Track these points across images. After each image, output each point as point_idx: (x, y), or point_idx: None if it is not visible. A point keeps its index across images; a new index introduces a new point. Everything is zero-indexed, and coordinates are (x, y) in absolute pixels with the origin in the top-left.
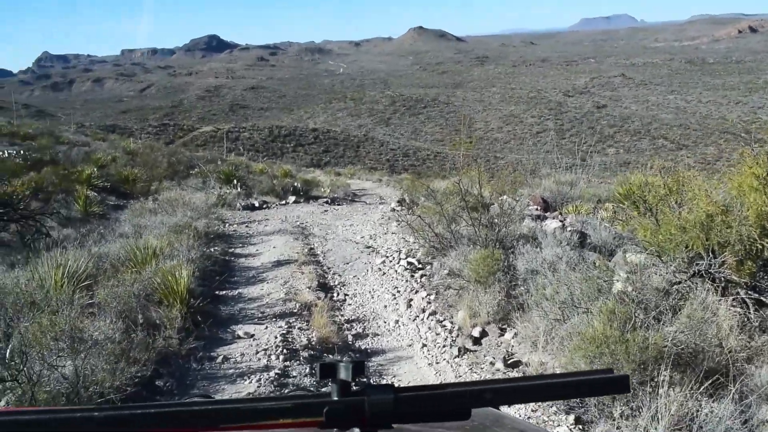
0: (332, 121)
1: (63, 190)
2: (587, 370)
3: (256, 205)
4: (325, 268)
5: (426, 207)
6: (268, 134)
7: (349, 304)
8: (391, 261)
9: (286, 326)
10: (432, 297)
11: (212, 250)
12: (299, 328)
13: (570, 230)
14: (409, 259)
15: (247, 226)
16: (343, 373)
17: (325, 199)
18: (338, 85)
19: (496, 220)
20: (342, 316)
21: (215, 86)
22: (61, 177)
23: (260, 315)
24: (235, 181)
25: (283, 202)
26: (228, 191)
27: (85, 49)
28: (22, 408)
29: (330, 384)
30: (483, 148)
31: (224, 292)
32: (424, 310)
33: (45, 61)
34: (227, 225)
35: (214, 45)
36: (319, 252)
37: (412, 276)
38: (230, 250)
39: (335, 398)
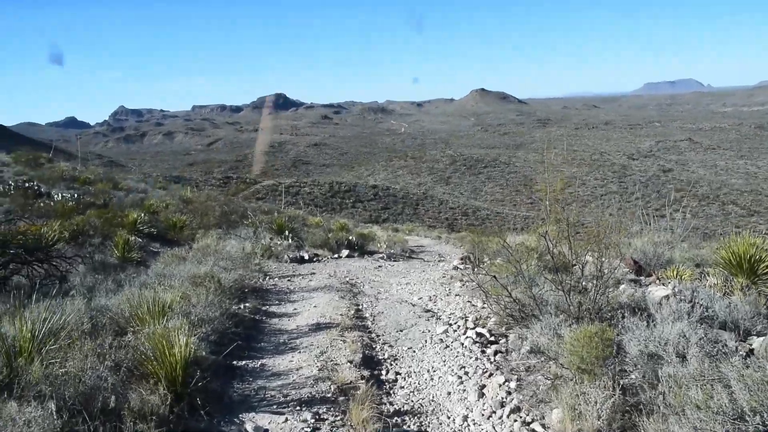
0: (392, 179)
1: (102, 234)
2: None
3: (306, 257)
4: (373, 335)
5: (498, 265)
6: (328, 189)
7: (401, 387)
8: (455, 330)
9: (312, 420)
10: (513, 384)
11: (242, 306)
12: (331, 424)
13: (680, 300)
14: (479, 329)
15: (289, 280)
16: None
17: (380, 255)
18: (399, 144)
19: (586, 285)
20: (391, 404)
21: (279, 142)
22: (103, 220)
23: (282, 399)
24: (286, 233)
25: (336, 255)
26: (279, 242)
27: (159, 104)
28: None
29: None
30: (544, 209)
31: (243, 362)
32: (503, 404)
33: (120, 114)
34: (268, 278)
35: (281, 103)
36: (367, 314)
37: (483, 352)
38: (263, 308)
39: None
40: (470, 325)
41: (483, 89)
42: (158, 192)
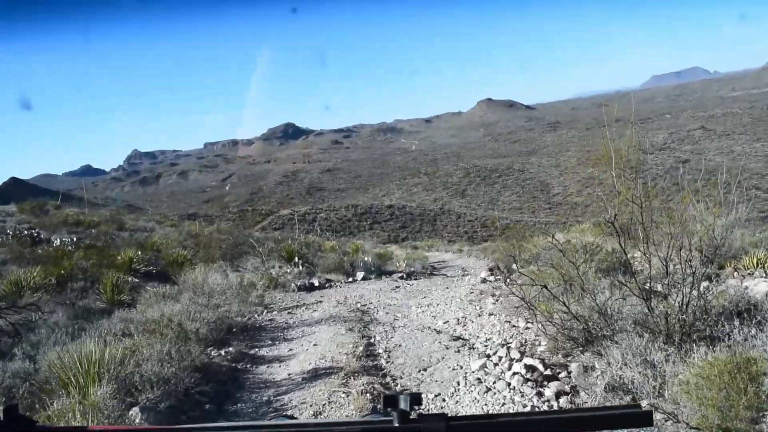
0: (407, 197)
1: (92, 277)
2: (616, 405)
3: (316, 284)
4: (387, 379)
5: (539, 272)
6: (344, 213)
7: None
8: (496, 363)
9: None
10: None
11: (222, 352)
12: None
13: None
14: (528, 360)
15: (290, 313)
16: (403, 404)
17: (399, 274)
18: (411, 162)
19: (666, 287)
20: None
21: (293, 171)
22: (93, 263)
23: None
24: (296, 259)
25: (350, 279)
26: (288, 270)
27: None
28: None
29: (392, 412)
30: (563, 213)
31: None
32: None
33: (134, 158)
34: (266, 312)
35: (290, 132)
36: (380, 350)
37: (541, 394)
38: (251, 351)
39: (396, 424)
40: (515, 354)
41: (489, 99)
42: (167, 229)
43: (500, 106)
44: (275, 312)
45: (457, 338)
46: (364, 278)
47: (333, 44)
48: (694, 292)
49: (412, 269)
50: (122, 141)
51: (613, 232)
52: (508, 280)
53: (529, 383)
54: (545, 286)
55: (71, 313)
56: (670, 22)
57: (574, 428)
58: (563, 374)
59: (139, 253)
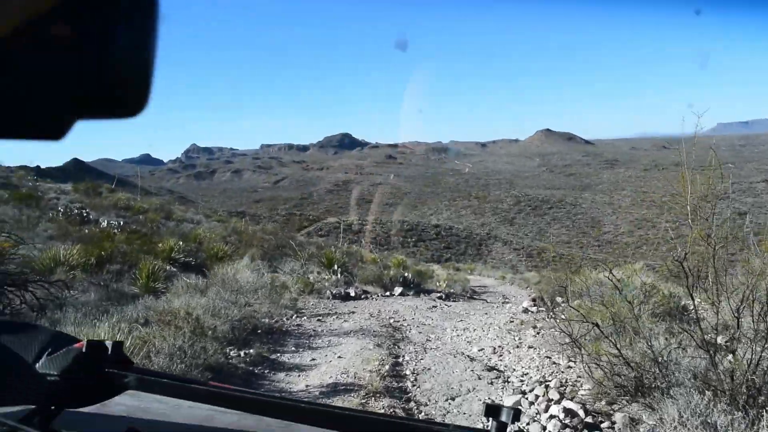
0: (455, 218)
1: (130, 262)
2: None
3: (352, 294)
4: (411, 404)
5: (586, 308)
6: (391, 228)
7: None
8: (532, 401)
9: None
10: None
11: (241, 354)
12: None
13: None
14: (567, 403)
15: (320, 320)
16: (504, 416)
17: (438, 294)
18: (463, 184)
19: (727, 342)
20: None
21: (344, 181)
22: (132, 247)
23: None
24: (335, 267)
25: (388, 293)
26: (326, 277)
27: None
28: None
29: (491, 421)
30: (612, 252)
31: None
32: None
33: (192, 152)
34: (295, 316)
35: (346, 142)
36: (408, 371)
37: None
38: (272, 356)
39: None
40: (554, 395)
41: (548, 129)
42: (213, 224)
43: (559, 138)
44: (305, 318)
45: (492, 368)
46: (401, 294)
47: (390, 56)
48: (766, 352)
49: (452, 290)
50: (182, 135)
51: (681, 273)
52: (551, 313)
53: (567, 430)
54: (597, 325)
55: (103, 295)
56: (740, 68)
57: None
58: (606, 424)
59: (181, 243)
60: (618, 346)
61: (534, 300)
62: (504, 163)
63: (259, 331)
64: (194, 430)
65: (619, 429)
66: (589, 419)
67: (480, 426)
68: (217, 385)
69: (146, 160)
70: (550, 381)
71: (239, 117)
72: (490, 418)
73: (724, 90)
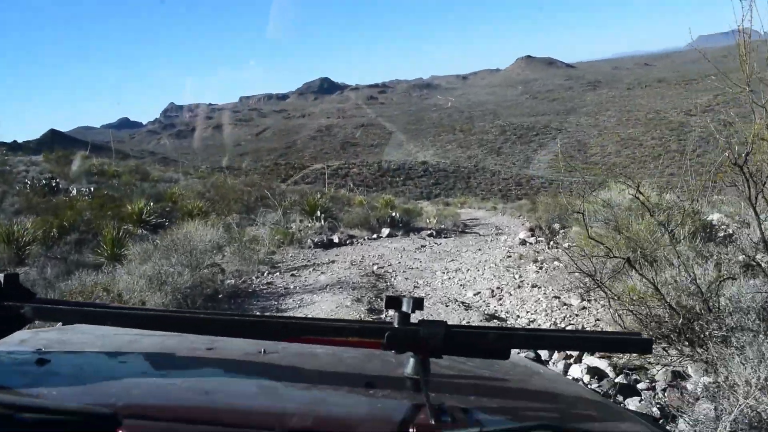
0: (442, 154)
1: (95, 229)
2: (618, 331)
3: (336, 240)
4: None
5: (602, 237)
6: (378, 169)
7: None
8: (546, 360)
9: None
10: None
11: None
12: None
13: None
14: (591, 360)
15: (294, 275)
16: (405, 306)
17: (428, 231)
18: (446, 119)
19: None
20: None
21: (327, 126)
22: (95, 213)
23: None
24: (318, 213)
25: (375, 236)
26: (310, 225)
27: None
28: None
29: (394, 314)
30: (600, 173)
31: None
32: None
33: (171, 111)
34: (267, 273)
35: (325, 87)
36: None
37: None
38: None
39: (396, 325)
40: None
41: (529, 56)
42: (193, 181)
43: (540, 64)
44: (277, 274)
45: (492, 316)
46: (389, 235)
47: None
48: None
49: (442, 226)
50: (159, 94)
51: (741, 179)
52: (554, 243)
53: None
54: (628, 260)
55: (63, 269)
56: None
57: (577, 348)
58: (643, 385)
59: (151, 203)
60: (656, 283)
61: (531, 230)
62: (486, 94)
63: (219, 296)
64: (110, 356)
65: (664, 390)
66: (620, 379)
67: None
68: (127, 306)
69: (125, 123)
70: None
71: (215, 70)
72: (393, 310)
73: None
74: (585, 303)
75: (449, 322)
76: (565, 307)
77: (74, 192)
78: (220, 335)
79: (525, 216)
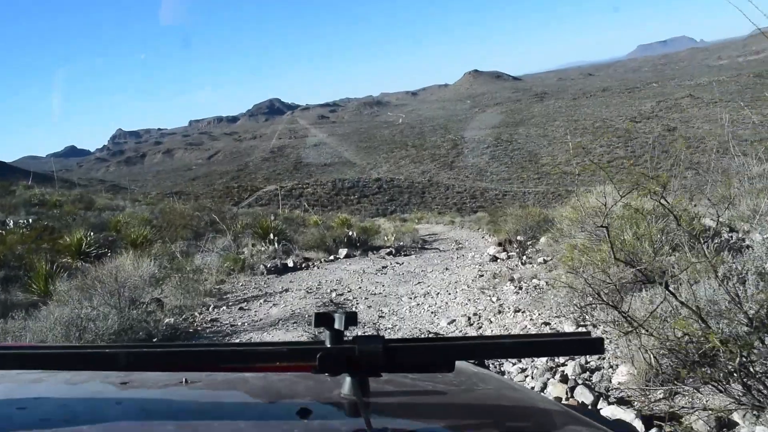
0: (395, 170)
1: (27, 265)
2: (566, 332)
3: (290, 265)
4: None
5: (590, 251)
6: (332, 188)
7: None
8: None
9: None
10: None
11: None
12: None
13: None
14: (611, 410)
15: (242, 309)
16: (337, 323)
17: (387, 250)
18: (398, 135)
19: None
20: None
21: (279, 147)
22: (28, 248)
23: None
24: (271, 236)
25: (332, 257)
26: (263, 249)
27: (155, 123)
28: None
29: (325, 332)
30: (553, 183)
31: None
32: None
33: (119, 138)
34: (213, 308)
35: (276, 108)
36: None
37: None
38: None
39: (328, 345)
40: (583, 394)
41: (476, 70)
42: (142, 208)
43: (487, 77)
44: (224, 308)
45: None
46: (347, 255)
47: (314, 16)
48: None
49: (401, 243)
50: (106, 121)
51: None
52: (524, 258)
53: None
54: (667, 286)
55: None
56: None
57: (527, 354)
58: None
59: (91, 234)
60: (699, 311)
61: (501, 244)
62: (436, 108)
63: (154, 340)
64: (2, 404)
65: None
66: None
67: None
68: (25, 345)
69: (72, 152)
70: (564, 365)
71: (163, 95)
72: (323, 328)
73: (641, 12)
74: (581, 329)
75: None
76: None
77: (11, 224)
78: (124, 370)
79: (484, 229)
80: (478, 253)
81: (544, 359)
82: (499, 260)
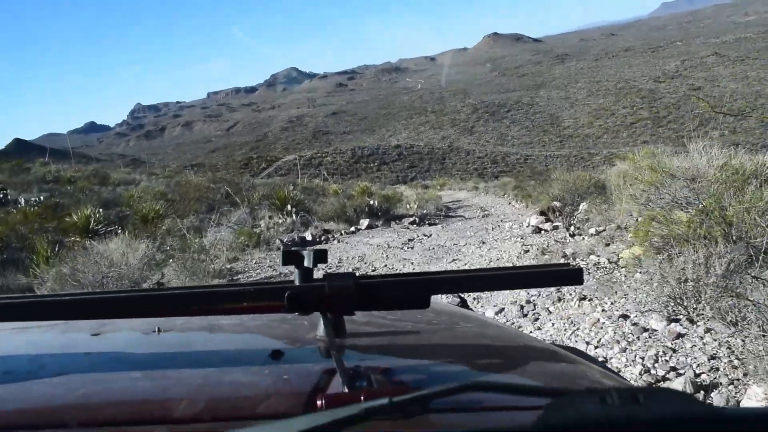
0: (415, 137)
1: (30, 245)
2: (544, 264)
3: (308, 238)
4: None
5: (674, 223)
6: (351, 156)
7: None
8: None
9: None
10: None
11: None
12: None
13: None
14: None
15: None
16: (306, 261)
17: (411, 219)
18: (418, 101)
19: None
20: None
21: (297, 116)
22: (30, 227)
23: None
24: (289, 207)
25: (353, 228)
26: (280, 221)
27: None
28: None
29: (294, 271)
30: (575, 146)
31: None
32: None
33: (138, 112)
34: None
35: (294, 77)
36: None
37: None
38: None
39: (297, 283)
40: None
41: (496, 33)
42: (159, 181)
43: (507, 40)
44: None
45: None
46: (368, 227)
47: None
48: None
49: (425, 212)
50: (125, 96)
51: None
52: (572, 228)
53: None
54: None
55: None
56: None
57: (507, 287)
58: None
59: (100, 210)
60: None
61: (543, 213)
62: (455, 73)
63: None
64: None
65: None
66: None
67: None
68: None
69: (92, 128)
70: (668, 378)
71: (182, 67)
72: (293, 267)
73: None
74: (675, 325)
75: None
76: (646, 333)
77: (23, 202)
78: (89, 318)
79: (510, 194)
80: (517, 224)
81: (623, 362)
82: (543, 231)
